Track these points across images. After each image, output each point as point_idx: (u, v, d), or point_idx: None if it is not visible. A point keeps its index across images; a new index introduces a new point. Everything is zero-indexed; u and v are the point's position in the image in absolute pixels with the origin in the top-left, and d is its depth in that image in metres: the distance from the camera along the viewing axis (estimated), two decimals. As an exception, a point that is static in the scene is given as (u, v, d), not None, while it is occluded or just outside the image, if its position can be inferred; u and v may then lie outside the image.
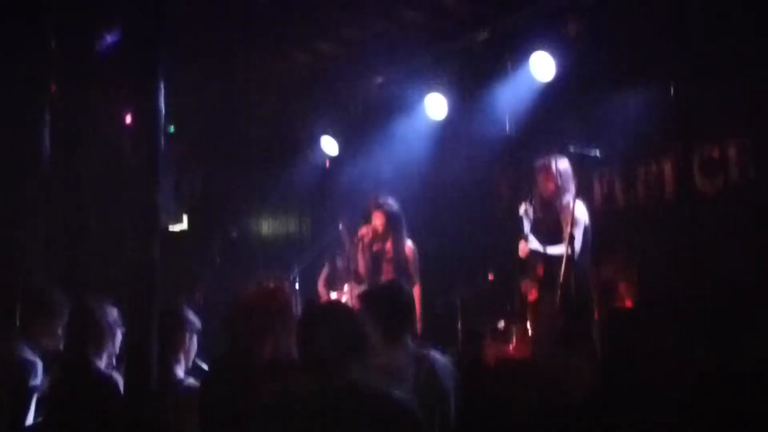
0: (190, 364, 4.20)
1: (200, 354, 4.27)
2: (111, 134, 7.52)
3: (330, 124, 9.35)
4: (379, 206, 7.11)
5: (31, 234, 6.09)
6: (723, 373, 4.27)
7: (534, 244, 6.03)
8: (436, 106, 8.11)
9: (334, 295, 7.97)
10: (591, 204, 6.70)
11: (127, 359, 3.95)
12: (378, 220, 7.10)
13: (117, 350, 4.32)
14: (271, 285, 3.79)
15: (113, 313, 4.32)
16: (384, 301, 3.86)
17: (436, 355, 3.82)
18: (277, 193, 9.99)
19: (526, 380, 5.00)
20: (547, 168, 6.22)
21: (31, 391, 4.37)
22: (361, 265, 7.32)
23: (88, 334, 4.23)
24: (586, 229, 6.04)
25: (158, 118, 4.05)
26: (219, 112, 9.03)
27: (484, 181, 8.54)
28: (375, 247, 7.20)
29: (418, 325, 6.52)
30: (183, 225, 9.03)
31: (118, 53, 6.64)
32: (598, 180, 7.54)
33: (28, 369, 4.37)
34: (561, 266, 5.59)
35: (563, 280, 5.56)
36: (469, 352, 7.08)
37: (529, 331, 6.54)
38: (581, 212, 6.03)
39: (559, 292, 5.59)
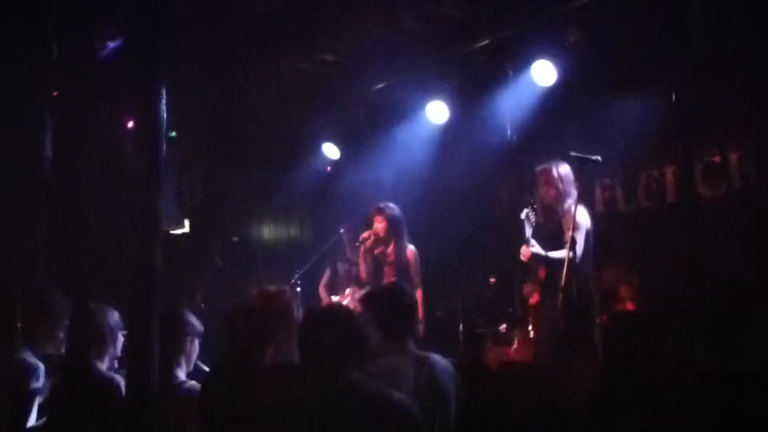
0: (192, 367, 4.20)
1: (201, 356, 4.28)
2: (113, 137, 7.52)
3: (332, 129, 9.38)
4: (381, 210, 7.12)
5: (31, 236, 6.10)
6: (724, 375, 4.27)
7: (536, 248, 6.03)
8: (437, 112, 8.14)
9: (335, 299, 7.99)
10: (592, 208, 6.71)
11: (128, 362, 3.96)
12: (379, 224, 7.11)
13: (119, 353, 4.33)
14: (273, 289, 3.79)
15: (114, 315, 4.34)
16: (385, 303, 3.86)
17: (437, 358, 3.82)
18: (279, 197, 10.00)
19: (528, 383, 4.99)
20: (548, 173, 6.22)
21: (33, 393, 4.37)
22: (363, 269, 7.34)
23: (90, 337, 4.24)
24: (588, 234, 6.03)
25: (160, 122, 4.06)
26: (221, 117, 9.04)
27: (485, 186, 8.56)
28: (376, 251, 7.22)
29: (421, 328, 6.53)
30: (185, 229, 9.04)
31: (120, 58, 6.66)
32: (599, 185, 7.55)
33: (30, 372, 4.38)
34: (563, 270, 5.59)
35: (565, 283, 5.56)
36: (470, 355, 7.09)
37: (531, 335, 6.54)
38: (583, 217, 6.03)
39: (560, 295, 5.59)
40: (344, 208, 9.02)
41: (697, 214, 6.67)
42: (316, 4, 6.72)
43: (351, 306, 6.91)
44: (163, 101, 4.07)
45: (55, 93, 6.67)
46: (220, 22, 6.84)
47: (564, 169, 6.21)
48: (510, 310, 7.24)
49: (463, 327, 7.48)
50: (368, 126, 9.09)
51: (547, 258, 6.02)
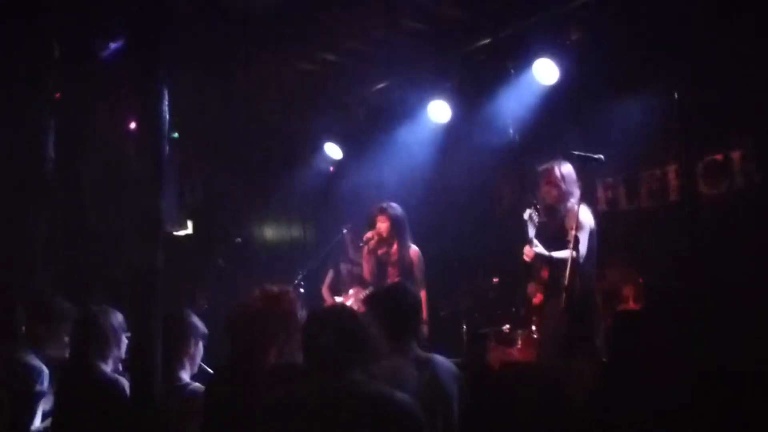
0: (196, 368, 4.20)
1: (204, 358, 4.28)
2: (114, 138, 7.54)
3: (333, 129, 9.38)
4: (384, 210, 7.12)
5: (34, 239, 6.11)
6: (726, 374, 4.27)
7: (539, 248, 6.03)
8: (439, 111, 8.14)
9: (338, 300, 7.99)
10: (594, 208, 6.70)
11: (131, 363, 3.96)
12: (382, 225, 7.11)
13: (122, 355, 4.34)
14: (276, 289, 3.79)
15: (118, 317, 4.34)
16: (388, 303, 3.85)
17: (440, 359, 3.81)
18: (281, 197, 10.00)
19: (531, 383, 5.00)
20: (550, 173, 6.22)
21: (37, 396, 4.39)
22: (367, 270, 7.34)
23: (93, 339, 4.25)
24: (591, 233, 6.03)
25: (162, 124, 4.06)
26: (222, 118, 9.04)
27: (487, 186, 8.56)
28: (380, 252, 7.22)
29: (426, 329, 6.53)
30: (188, 230, 9.04)
31: (122, 59, 6.67)
32: (601, 184, 7.55)
33: (34, 375, 4.40)
34: (566, 270, 5.59)
35: (568, 283, 5.55)
36: (473, 356, 7.08)
37: (534, 335, 6.54)
38: (586, 216, 6.02)
39: (564, 295, 5.58)
40: (346, 209, 9.01)
41: (699, 212, 6.67)
42: (317, 4, 6.72)
43: (354, 306, 6.91)
44: (165, 102, 4.08)
45: (57, 95, 6.68)
46: (222, 23, 6.84)
47: (566, 169, 6.20)
48: (513, 310, 7.23)
49: (466, 327, 7.48)
50: (370, 126, 9.09)
51: (550, 258, 6.01)
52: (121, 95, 6.91)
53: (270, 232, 10.73)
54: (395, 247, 7.10)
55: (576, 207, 5.83)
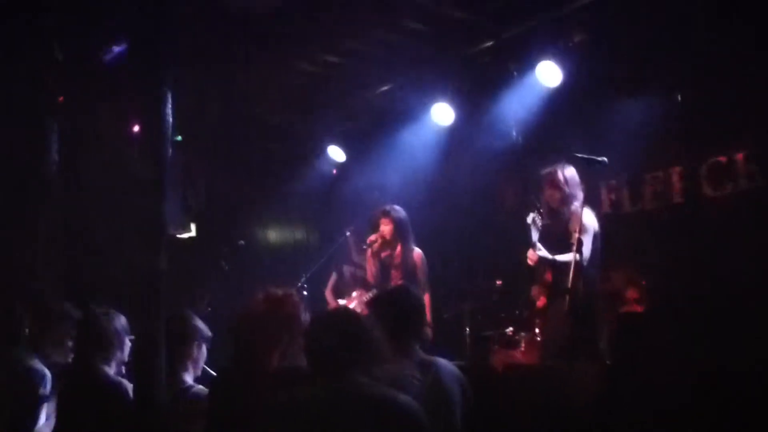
0: (200, 371, 4.20)
1: (208, 361, 4.28)
2: (118, 141, 7.55)
3: (336, 132, 9.38)
4: (387, 213, 7.13)
5: (37, 242, 6.12)
6: (728, 376, 4.26)
7: (542, 252, 6.02)
8: (442, 114, 8.14)
9: (341, 303, 7.98)
10: (598, 210, 6.69)
11: (135, 366, 3.96)
12: (386, 227, 7.11)
13: (125, 357, 4.34)
14: (279, 292, 3.79)
15: (121, 320, 4.34)
16: (391, 306, 3.85)
17: (443, 362, 3.81)
18: (284, 200, 10.00)
19: (534, 386, 4.99)
20: (553, 176, 6.20)
21: (40, 399, 4.39)
22: (370, 273, 7.34)
23: (96, 342, 4.25)
24: (595, 236, 6.02)
25: (165, 127, 4.07)
26: (225, 120, 9.05)
27: (490, 188, 8.55)
28: (383, 255, 7.22)
29: (429, 332, 6.52)
30: (191, 233, 9.05)
31: (125, 63, 6.68)
32: (605, 186, 7.54)
33: (38, 378, 4.41)
34: (569, 272, 5.58)
35: (571, 286, 5.55)
36: (476, 358, 7.08)
37: (537, 337, 6.53)
38: (590, 219, 6.02)
39: (567, 297, 5.57)
40: (349, 211, 9.01)
41: (702, 214, 6.66)
42: (319, 5, 6.72)
43: (357, 309, 6.91)
44: (168, 105, 4.08)
45: (60, 98, 6.69)
46: (224, 25, 6.85)
47: (569, 172, 6.19)
48: (516, 312, 7.23)
49: (469, 330, 7.48)
50: (373, 128, 9.09)
51: (554, 261, 6.00)
52: (125, 98, 6.93)
53: (273, 235, 10.73)
54: (398, 249, 7.10)
55: (579, 210, 5.82)
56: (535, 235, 6.03)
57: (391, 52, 7.64)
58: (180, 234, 8.75)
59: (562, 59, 7.02)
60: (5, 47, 5.88)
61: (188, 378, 4.07)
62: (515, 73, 7.46)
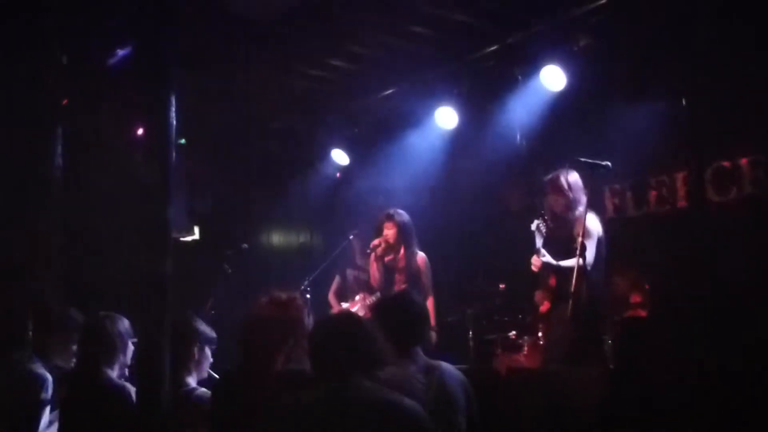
0: (204, 374, 4.21)
1: (212, 364, 4.28)
2: (122, 145, 7.56)
3: (340, 135, 9.39)
4: (391, 217, 7.13)
5: (41, 245, 6.12)
6: (731, 380, 4.25)
7: (546, 257, 6.01)
8: (446, 118, 8.14)
9: (345, 306, 7.98)
10: (602, 215, 6.68)
11: (138, 369, 3.96)
12: (389, 231, 7.11)
13: (129, 361, 4.34)
14: (283, 296, 3.79)
15: (125, 323, 4.34)
16: (394, 311, 3.86)
17: (447, 366, 3.81)
18: (288, 203, 10.01)
19: (537, 390, 4.98)
20: (557, 182, 6.19)
21: (43, 404, 4.39)
22: (374, 276, 7.34)
23: (100, 345, 4.25)
24: (599, 241, 6.01)
25: (170, 130, 4.07)
26: (230, 124, 9.06)
27: (494, 192, 8.54)
28: (387, 258, 7.22)
29: (433, 336, 6.52)
30: (195, 236, 9.06)
31: (130, 66, 6.69)
32: (608, 190, 7.54)
33: (40, 382, 4.40)
34: (573, 277, 5.57)
35: (575, 290, 5.54)
36: (480, 362, 7.07)
37: (541, 341, 6.53)
38: (594, 224, 6.00)
39: (570, 302, 5.57)
40: (353, 215, 9.01)
41: (707, 219, 6.65)
42: (323, 10, 6.73)
43: (361, 313, 6.91)
44: (172, 108, 4.09)
45: (64, 101, 6.70)
46: (228, 30, 6.86)
47: (573, 177, 6.18)
48: (520, 316, 7.22)
49: (472, 334, 7.47)
50: (377, 132, 9.09)
51: (558, 267, 6.00)
52: (128, 101, 6.94)
53: (277, 238, 10.73)
54: (402, 253, 7.10)
55: (583, 215, 5.81)
56: (539, 242, 6.02)
57: (395, 55, 7.65)
58: (183, 237, 8.76)
59: (567, 63, 7.01)
60: (8, 49, 5.88)
61: (190, 380, 4.07)
62: (520, 78, 7.45)
